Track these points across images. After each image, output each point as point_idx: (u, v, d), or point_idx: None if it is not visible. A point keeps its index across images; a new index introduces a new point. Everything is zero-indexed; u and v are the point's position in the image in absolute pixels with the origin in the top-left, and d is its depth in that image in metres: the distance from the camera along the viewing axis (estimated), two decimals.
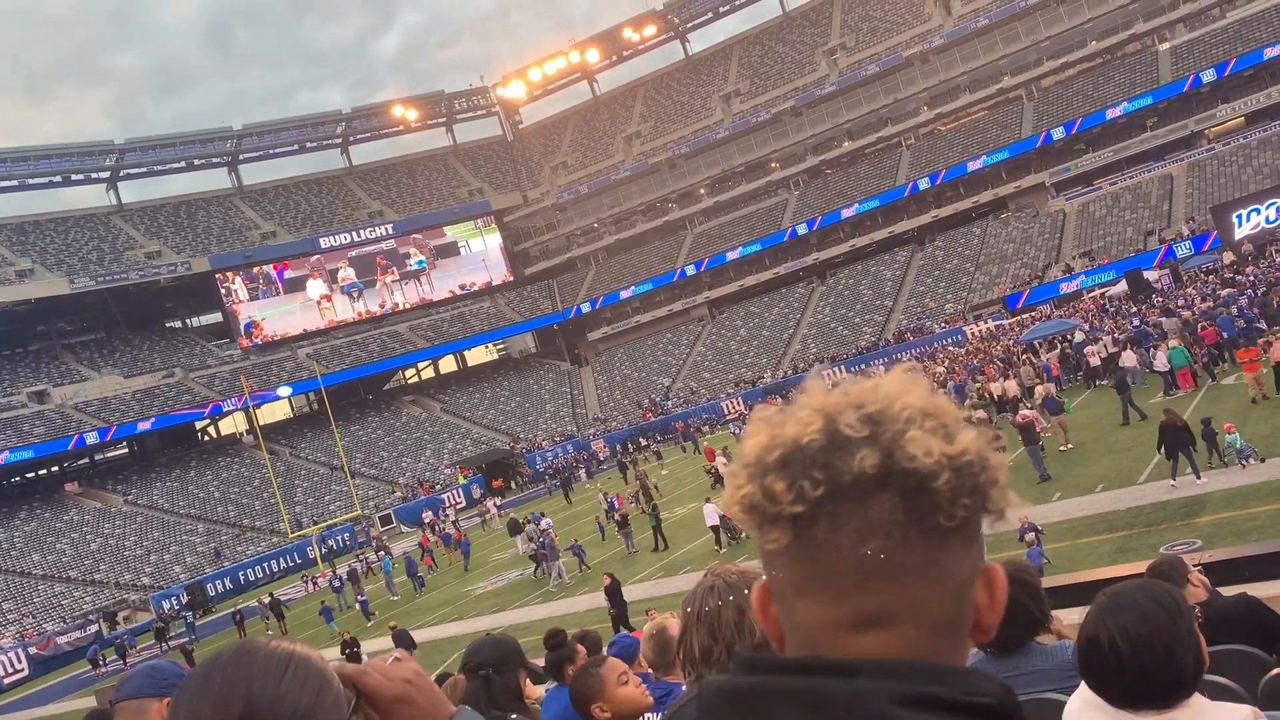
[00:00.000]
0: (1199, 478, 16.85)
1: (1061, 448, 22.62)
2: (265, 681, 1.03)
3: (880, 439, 0.87)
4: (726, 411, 54.07)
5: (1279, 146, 49.49)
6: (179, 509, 53.58)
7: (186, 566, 47.54)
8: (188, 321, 71.16)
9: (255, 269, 67.68)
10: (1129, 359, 27.13)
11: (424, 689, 1.28)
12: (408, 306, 72.60)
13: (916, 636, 0.87)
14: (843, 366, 52.66)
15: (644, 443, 53.82)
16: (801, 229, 65.67)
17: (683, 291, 69.96)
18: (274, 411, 66.70)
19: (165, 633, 37.16)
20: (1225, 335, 26.66)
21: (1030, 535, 15.02)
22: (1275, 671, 3.76)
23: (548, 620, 19.04)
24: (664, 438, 54.31)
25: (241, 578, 45.69)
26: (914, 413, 0.89)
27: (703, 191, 73.54)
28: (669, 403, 59.93)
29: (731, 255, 67.92)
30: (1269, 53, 52.33)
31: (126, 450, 61.39)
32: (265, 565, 46.99)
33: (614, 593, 18.97)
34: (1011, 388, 28.30)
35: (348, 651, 21.08)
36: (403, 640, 21.29)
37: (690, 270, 69.14)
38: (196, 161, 73.33)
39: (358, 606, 30.94)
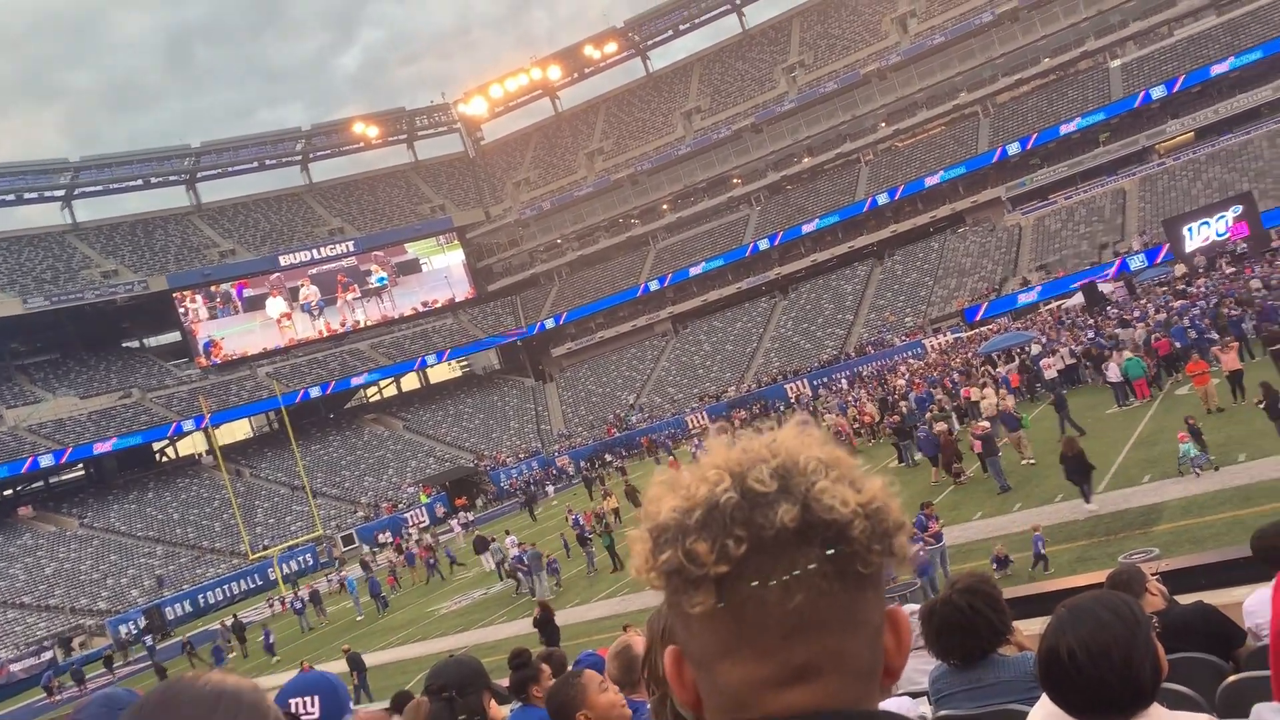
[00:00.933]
0: (1087, 502, 17.30)
1: (1023, 462, 22.75)
2: None
3: (794, 491, 0.88)
4: (691, 426, 54.17)
5: (1227, 161, 50.58)
6: (137, 532, 52.69)
7: (144, 590, 46.74)
8: (145, 341, 70.18)
9: (214, 288, 66.94)
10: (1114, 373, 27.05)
11: None
12: (369, 324, 72.12)
13: (840, 686, 0.89)
14: (806, 380, 53.01)
15: (609, 459, 53.73)
16: (763, 244, 66.09)
17: (646, 307, 70.08)
18: (233, 432, 65.92)
19: (114, 661, 36.57)
20: (1178, 346, 27.12)
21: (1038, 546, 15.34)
22: (1232, 678, 3.82)
23: (513, 640, 18.91)
24: (629, 453, 54.28)
25: (201, 600, 45.01)
26: (818, 464, 0.91)
27: (665, 207, 73.81)
28: (633, 418, 59.94)
29: (694, 270, 68.18)
30: (1216, 70, 53.56)
31: (82, 472, 60.34)
32: (225, 588, 46.33)
33: (544, 624, 18.22)
34: (989, 394, 28.50)
35: None
36: (355, 664, 21.04)
37: (654, 286, 69.30)
38: (153, 180, 72.46)
39: (262, 641, 30.49)
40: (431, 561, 36.45)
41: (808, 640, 0.87)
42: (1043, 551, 15.22)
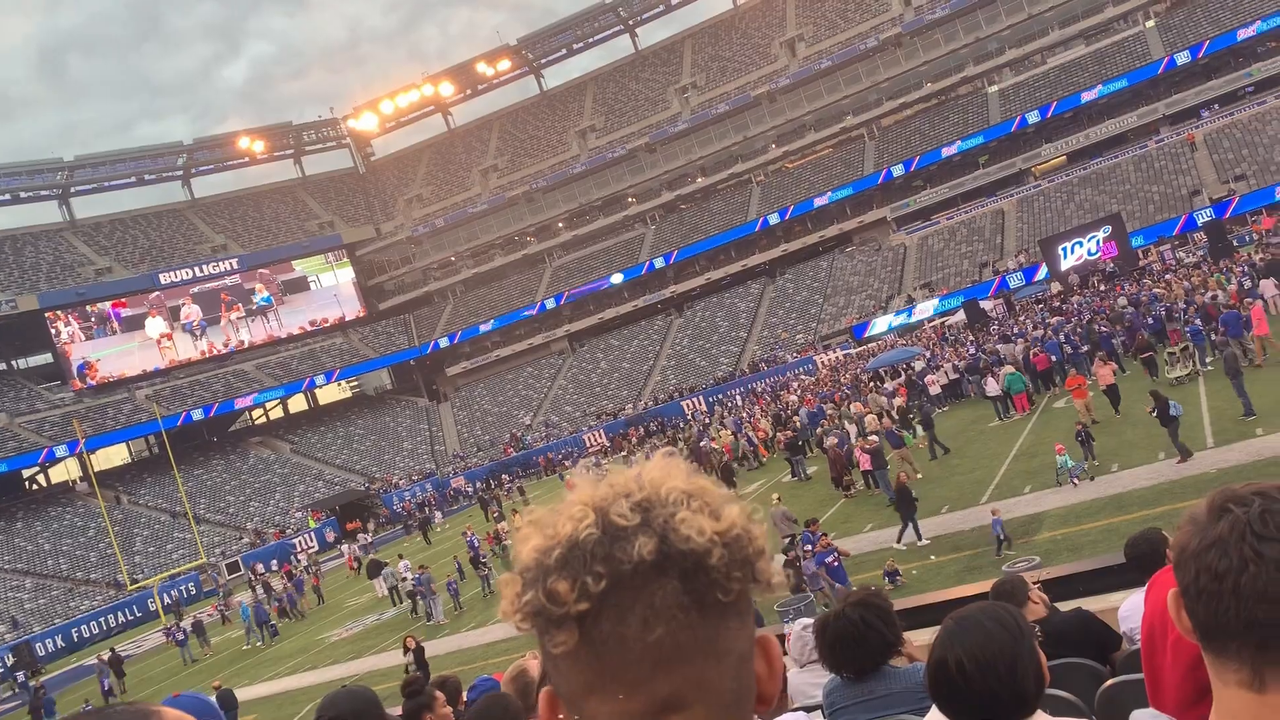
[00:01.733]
0: (917, 540, 18.02)
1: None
2: None
3: (653, 524, 0.89)
4: (588, 445, 54.08)
5: (1097, 184, 53.12)
6: (3, 564, 49.90)
7: (11, 626, 44.27)
8: (14, 363, 66.68)
9: (89, 307, 64.11)
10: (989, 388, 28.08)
11: None
12: (254, 344, 70.01)
13: (706, 718, 0.89)
14: (702, 396, 53.49)
15: (506, 479, 53.16)
16: (659, 262, 66.63)
17: (542, 325, 69.83)
18: (110, 457, 63.12)
19: None
20: (1054, 359, 28.27)
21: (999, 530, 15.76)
22: (1109, 682, 3.97)
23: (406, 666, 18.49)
24: (526, 473, 53.84)
25: (75, 635, 42.85)
26: (679, 495, 0.92)
27: (561, 225, 73.78)
28: (528, 438, 59.52)
29: (591, 288, 68.28)
30: (1086, 97, 56.30)
31: None
32: (101, 620, 44.21)
33: (417, 655, 18.21)
34: (899, 402, 29.12)
35: None
36: (226, 702, 20.30)
37: (550, 304, 69.12)
38: (23, 194, 69.08)
39: (100, 686, 29.34)
40: (291, 597, 35.16)
41: (670, 673, 0.87)
42: (1001, 534, 15.56)
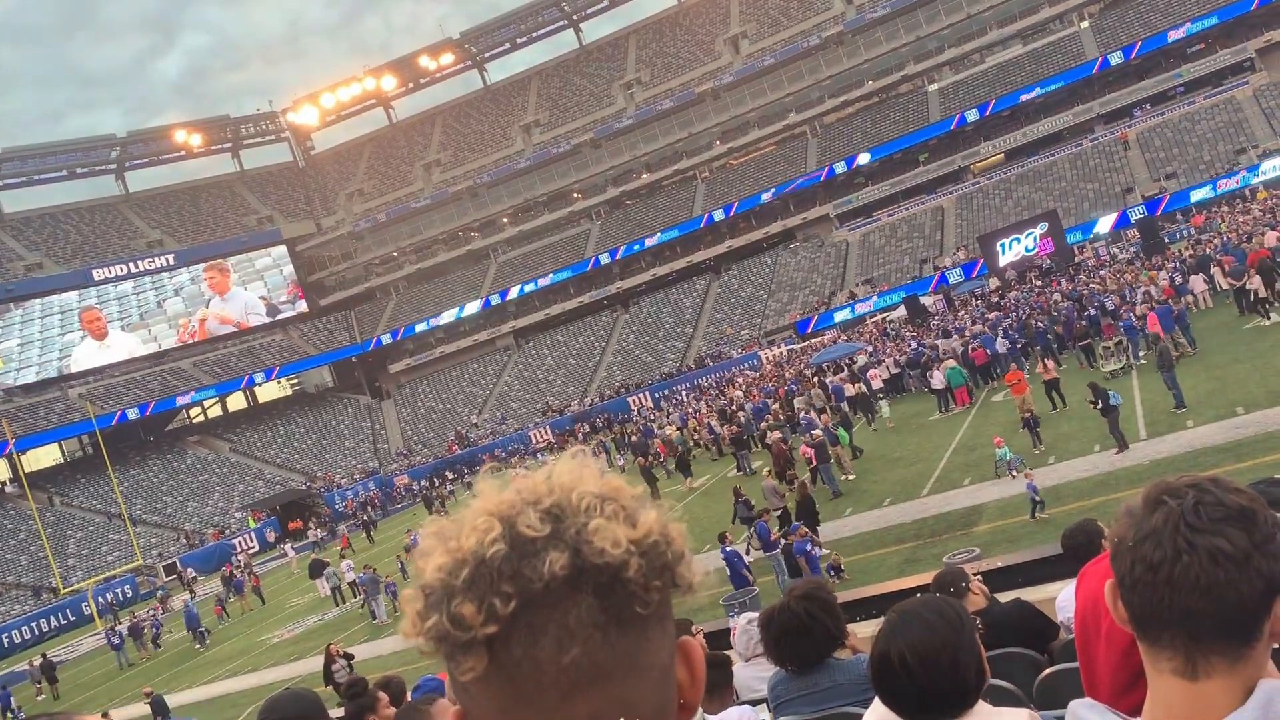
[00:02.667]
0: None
1: (842, 477, 22.97)
2: None
3: (565, 535, 0.82)
4: (534, 441, 53.90)
5: (1034, 181, 54.12)
6: None
7: None
8: None
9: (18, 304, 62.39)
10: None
11: None
12: (191, 340, 68.63)
13: None
14: (648, 392, 53.58)
15: (450, 476, 52.76)
16: (604, 258, 66.56)
17: (488, 321, 69.41)
18: (40, 458, 61.46)
19: None
20: (991, 353, 28.73)
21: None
22: (1047, 671, 4.04)
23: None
24: (471, 470, 53.46)
25: (5, 640, 41.73)
26: (592, 500, 0.85)
27: (506, 221, 73.38)
28: (474, 435, 59.13)
29: (537, 284, 68.02)
30: (1024, 96, 57.30)
31: None
32: (32, 625, 43.11)
33: (348, 661, 18.03)
34: (858, 389, 29.37)
35: None
36: (158, 708, 19.97)
37: (495, 299, 68.72)
38: None
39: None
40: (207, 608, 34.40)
41: (589, 694, 0.81)
42: (1037, 498, 15.72)
